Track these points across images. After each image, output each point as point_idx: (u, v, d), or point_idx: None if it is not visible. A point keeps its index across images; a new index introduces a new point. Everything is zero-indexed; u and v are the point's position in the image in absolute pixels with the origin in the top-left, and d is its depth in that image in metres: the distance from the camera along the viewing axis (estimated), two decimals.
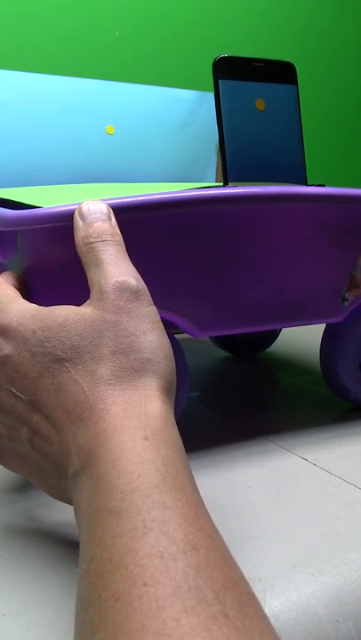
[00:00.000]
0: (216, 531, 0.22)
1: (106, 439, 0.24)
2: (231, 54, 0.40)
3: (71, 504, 0.25)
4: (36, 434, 0.26)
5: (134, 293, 0.28)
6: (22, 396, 0.27)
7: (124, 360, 0.26)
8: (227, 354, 0.66)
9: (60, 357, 0.26)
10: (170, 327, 0.37)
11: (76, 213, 0.31)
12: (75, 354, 0.26)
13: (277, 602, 0.25)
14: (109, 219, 0.31)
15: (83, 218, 0.31)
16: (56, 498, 0.28)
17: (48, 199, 0.38)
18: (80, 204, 0.31)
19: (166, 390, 0.27)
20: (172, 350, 0.28)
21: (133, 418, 0.25)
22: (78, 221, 0.31)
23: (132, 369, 0.26)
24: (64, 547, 0.29)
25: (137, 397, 0.26)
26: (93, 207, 0.31)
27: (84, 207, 0.31)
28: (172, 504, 0.21)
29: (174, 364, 0.28)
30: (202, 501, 0.23)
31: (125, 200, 0.33)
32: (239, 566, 0.21)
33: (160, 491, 0.22)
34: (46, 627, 0.24)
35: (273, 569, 0.27)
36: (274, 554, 0.29)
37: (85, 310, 0.27)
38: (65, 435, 0.25)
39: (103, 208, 0.31)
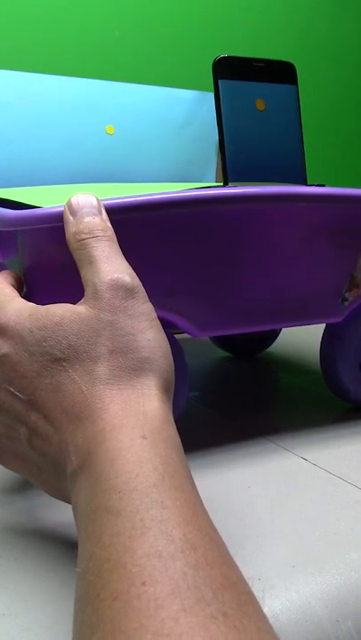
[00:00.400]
0: (215, 529, 0.22)
1: (104, 438, 0.24)
2: (231, 54, 0.40)
3: (70, 503, 0.25)
4: (35, 433, 0.26)
5: (129, 291, 0.28)
6: (20, 395, 0.27)
7: (121, 359, 0.26)
8: (227, 354, 0.66)
9: (57, 357, 0.26)
10: (170, 327, 0.37)
11: (66, 208, 0.30)
12: (72, 353, 0.26)
13: (277, 602, 0.25)
14: (100, 212, 0.30)
15: (73, 212, 0.30)
16: (55, 497, 0.28)
17: (48, 199, 0.38)
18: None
19: (165, 389, 0.27)
20: (170, 348, 0.28)
21: (132, 417, 0.25)
22: (68, 216, 0.30)
23: (130, 368, 0.26)
24: (64, 547, 0.29)
25: (135, 396, 0.26)
26: (83, 201, 0.30)
27: (74, 201, 0.30)
28: (170, 503, 0.21)
29: (173, 361, 0.28)
30: (200, 500, 0.23)
31: (125, 200, 0.33)
32: (238, 566, 0.21)
33: (158, 490, 0.22)
34: (46, 627, 0.24)
35: (273, 569, 0.27)
36: (274, 554, 0.29)
37: (80, 309, 0.27)
38: (63, 434, 0.25)
39: (93, 201, 0.30)
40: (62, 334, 0.26)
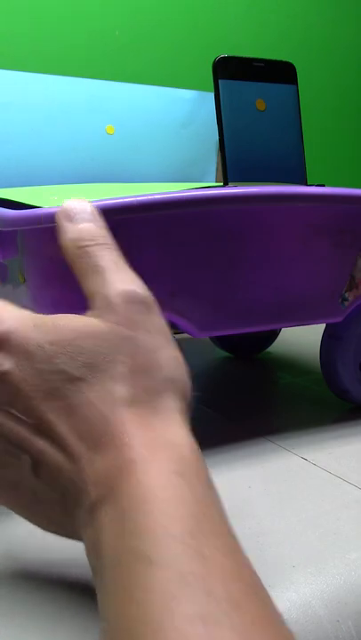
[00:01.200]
0: (257, 579, 0.20)
1: (133, 470, 0.21)
2: (231, 54, 0.40)
3: (72, 538, 0.24)
4: (41, 461, 0.23)
5: (144, 304, 0.26)
6: (25, 419, 0.23)
7: (144, 379, 0.24)
8: (227, 354, 0.66)
9: (73, 376, 0.23)
10: (169, 327, 0.37)
11: (60, 214, 0.28)
12: (88, 372, 0.23)
13: (277, 602, 0.25)
14: (97, 219, 0.28)
15: (69, 219, 0.28)
16: (51, 531, 0.25)
17: (48, 199, 0.38)
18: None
19: (185, 412, 0.25)
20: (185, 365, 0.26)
21: (160, 447, 0.22)
22: (64, 223, 0.28)
23: (154, 389, 0.24)
24: (65, 547, 0.29)
25: (159, 422, 0.23)
26: (79, 207, 0.28)
27: (69, 206, 0.28)
28: (210, 553, 0.19)
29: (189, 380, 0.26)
30: (238, 543, 0.21)
31: (125, 200, 0.33)
32: (281, 613, 0.20)
33: (196, 537, 0.19)
34: (46, 627, 0.24)
35: (273, 569, 0.27)
36: (274, 554, 0.29)
37: (95, 322, 0.24)
38: (78, 462, 0.23)
39: (88, 208, 0.28)
40: (77, 350, 0.24)
